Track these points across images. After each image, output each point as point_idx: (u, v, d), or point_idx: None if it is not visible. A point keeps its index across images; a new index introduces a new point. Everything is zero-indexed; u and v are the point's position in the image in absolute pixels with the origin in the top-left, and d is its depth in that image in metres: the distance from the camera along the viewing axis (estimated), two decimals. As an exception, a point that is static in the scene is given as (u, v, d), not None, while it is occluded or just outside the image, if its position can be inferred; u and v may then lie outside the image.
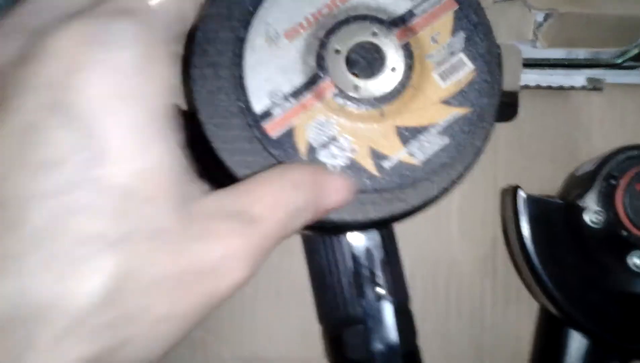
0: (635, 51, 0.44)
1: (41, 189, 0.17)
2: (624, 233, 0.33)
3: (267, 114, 0.29)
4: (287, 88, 0.29)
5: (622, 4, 0.36)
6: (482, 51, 0.30)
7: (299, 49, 0.30)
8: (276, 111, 0.29)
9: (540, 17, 0.38)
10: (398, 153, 0.29)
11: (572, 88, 0.42)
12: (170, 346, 0.20)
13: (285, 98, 0.29)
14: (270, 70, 0.29)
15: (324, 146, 0.29)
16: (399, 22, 0.30)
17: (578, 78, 0.43)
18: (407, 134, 0.29)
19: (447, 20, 0.30)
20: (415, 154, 0.29)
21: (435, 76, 0.30)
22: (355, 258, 0.33)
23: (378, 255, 0.33)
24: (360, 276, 0.33)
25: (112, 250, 0.18)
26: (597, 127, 0.42)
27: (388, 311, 0.33)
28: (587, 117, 0.42)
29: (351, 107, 0.29)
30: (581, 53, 0.43)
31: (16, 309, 0.16)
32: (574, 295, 0.33)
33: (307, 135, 0.29)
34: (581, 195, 0.34)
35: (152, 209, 0.19)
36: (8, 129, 0.17)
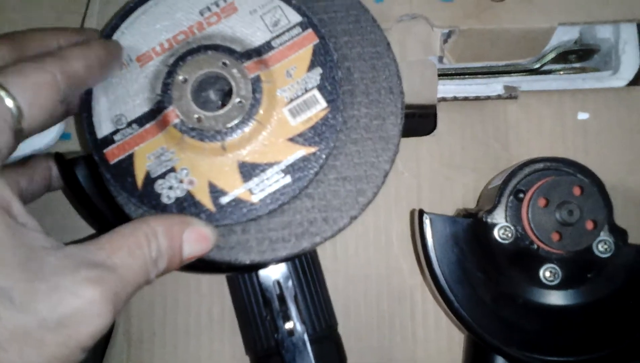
0: (552, 55, 0.45)
1: None
2: (534, 247, 0.33)
3: (109, 140, 0.28)
4: (132, 114, 0.28)
5: (522, 18, 0.36)
6: (337, 89, 0.29)
7: (148, 75, 0.29)
8: (117, 137, 0.28)
9: (444, 34, 0.38)
10: (237, 190, 0.28)
11: (488, 98, 0.42)
12: None
13: (129, 125, 0.28)
14: (117, 95, 0.28)
15: (162, 176, 0.28)
16: (253, 54, 0.29)
17: (495, 86, 0.43)
18: (249, 171, 0.28)
19: (305, 54, 0.29)
20: (254, 192, 0.28)
21: (285, 112, 0.29)
22: (265, 293, 0.33)
23: (289, 287, 0.33)
24: (272, 311, 0.33)
25: None
26: (514, 135, 0.42)
27: (303, 342, 0.33)
28: (504, 125, 0.42)
29: (193, 139, 0.28)
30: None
31: None
32: (487, 315, 0.33)
33: (146, 164, 0.28)
34: (491, 211, 0.34)
35: None
36: None
